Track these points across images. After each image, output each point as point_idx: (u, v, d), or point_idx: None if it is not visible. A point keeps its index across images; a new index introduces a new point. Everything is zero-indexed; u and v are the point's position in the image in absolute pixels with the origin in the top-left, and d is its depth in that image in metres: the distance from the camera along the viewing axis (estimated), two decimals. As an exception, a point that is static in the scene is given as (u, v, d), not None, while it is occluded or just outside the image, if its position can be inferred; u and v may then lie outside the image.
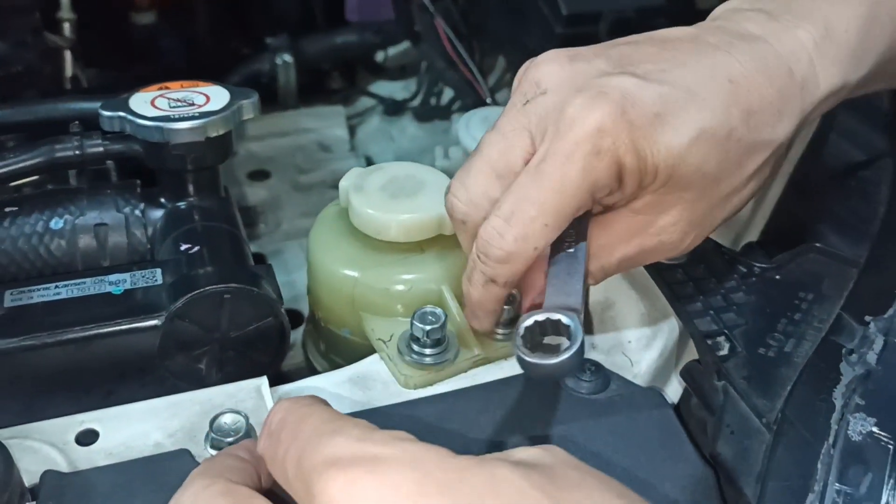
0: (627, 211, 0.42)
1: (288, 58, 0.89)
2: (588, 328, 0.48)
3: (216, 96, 0.49)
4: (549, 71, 0.41)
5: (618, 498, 0.28)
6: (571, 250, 0.41)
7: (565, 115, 0.39)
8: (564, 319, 0.38)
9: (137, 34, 0.90)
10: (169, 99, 0.49)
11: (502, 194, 0.40)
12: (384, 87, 0.96)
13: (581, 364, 0.39)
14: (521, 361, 0.38)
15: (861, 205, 0.53)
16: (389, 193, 0.48)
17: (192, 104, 0.49)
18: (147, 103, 0.49)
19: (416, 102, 0.93)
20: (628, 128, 0.38)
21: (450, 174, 0.52)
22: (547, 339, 0.39)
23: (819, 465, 0.39)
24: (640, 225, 0.42)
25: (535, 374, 0.38)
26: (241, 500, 0.29)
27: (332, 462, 0.27)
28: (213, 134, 0.48)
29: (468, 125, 0.56)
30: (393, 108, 0.93)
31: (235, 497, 0.29)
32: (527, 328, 0.38)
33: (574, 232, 0.42)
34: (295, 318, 0.64)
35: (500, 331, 0.46)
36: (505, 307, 0.45)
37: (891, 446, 0.39)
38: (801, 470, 0.39)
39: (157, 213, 0.50)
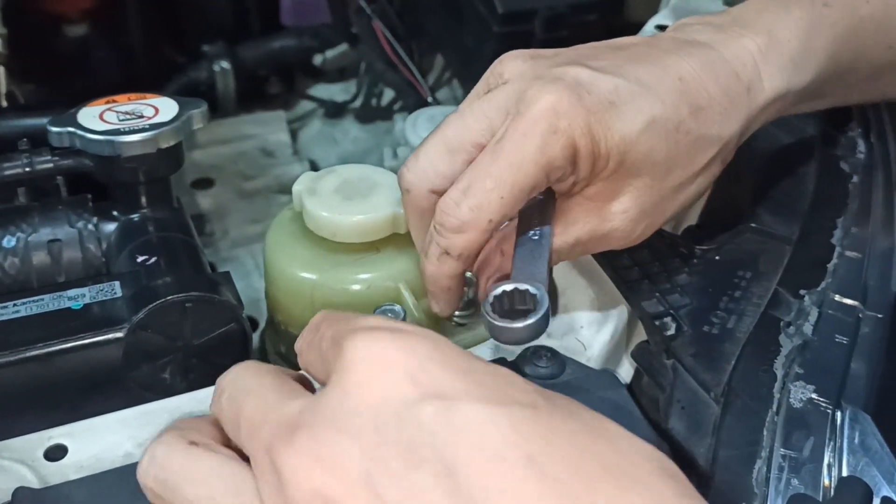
0: (581, 198, 0.44)
1: (225, 65, 0.89)
2: (553, 311, 0.50)
3: (165, 108, 0.50)
4: (512, 65, 0.44)
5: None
6: (536, 237, 0.43)
7: (525, 97, 0.41)
8: (531, 289, 0.40)
9: (70, 47, 0.88)
10: (117, 112, 0.49)
11: (461, 172, 0.42)
12: (324, 90, 0.97)
13: (545, 328, 0.41)
14: (491, 326, 0.40)
15: (791, 185, 0.56)
16: (343, 195, 0.49)
17: (142, 116, 0.49)
18: (95, 117, 0.49)
19: (356, 104, 0.93)
20: (584, 112, 0.41)
21: (399, 174, 0.53)
22: (515, 308, 0.41)
23: (764, 433, 0.41)
24: (593, 212, 0.44)
25: (504, 338, 0.40)
26: (211, 446, 0.31)
27: (362, 328, 0.29)
28: (165, 145, 0.49)
29: (415, 125, 0.57)
30: (334, 111, 0.94)
31: (207, 446, 0.32)
32: (495, 296, 0.40)
33: (538, 220, 0.44)
34: (251, 323, 0.64)
35: (458, 313, 0.47)
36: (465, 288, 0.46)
37: (829, 411, 0.42)
38: (749, 438, 0.41)
39: (111, 227, 0.50)
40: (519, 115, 0.41)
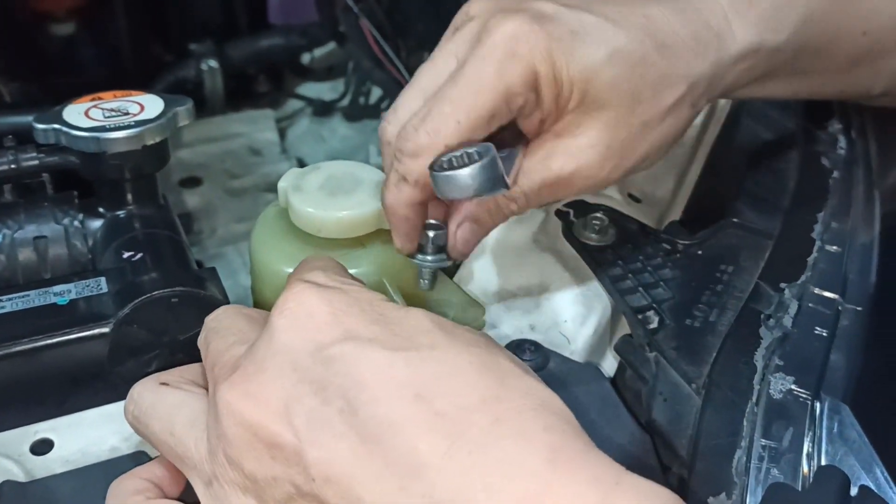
0: (549, 135, 0.43)
1: (213, 63, 0.89)
2: (524, 306, 0.50)
3: (150, 105, 0.50)
4: (477, 4, 0.44)
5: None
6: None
7: (487, 26, 0.41)
8: (480, 149, 0.40)
9: (57, 45, 0.88)
10: (103, 109, 0.49)
11: None
12: (312, 89, 0.97)
13: (495, 181, 0.40)
14: (434, 180, 0.40)
15: (772, 181, 0.57)
16: (328, 191, 0.50)
17: (127, 113, 0.49)
18: (81, 114, 0.49)
19: (344, 103, 0.94)
20: (545, 38, 0.41)
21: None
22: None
23: (745, 423, 0.41)
24: (560, 148, 0.43)
25: (447, 188, 0.40)
26: (180, 385, 0.37)
27: (298, 280, 0.35)
28: (150, 142, 0.49)
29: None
30: (322, 110, 0.94)
31: (175, 385, 0.37)
32: (443, 159, 0.40)
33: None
34: (238, 320, 0.64)
35: (430, 258, 0.46)
36: (430, 233, 0.45)
37: (809, 402, 0.42)
38: (729, 428, 0.41)
39: (97, 224, 0.50)
40: (479, 42, 0.41)
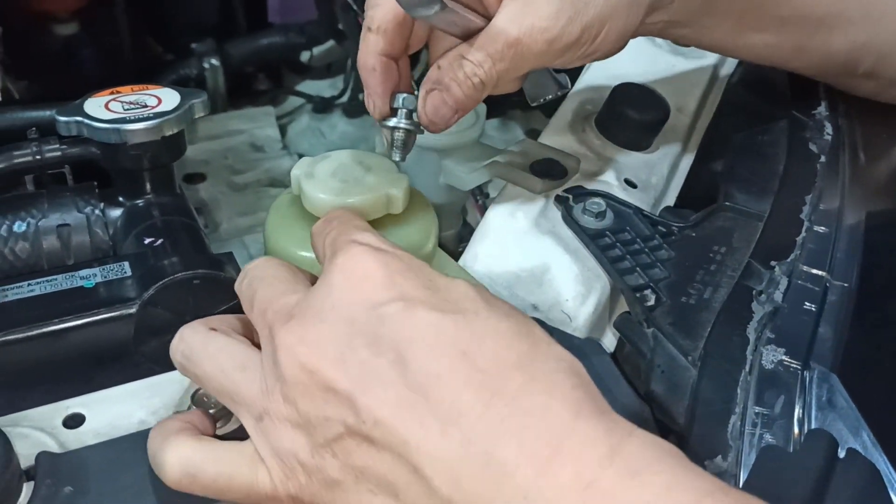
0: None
1: (215, 62, 0.90)
2: (527, 287, 0.52)
3: (167, 98, 0.52)
4: None
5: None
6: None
7: None
8: None
9: (62, 45, 0.90)
10: (122, 102, 0.51)
11: None
12: (311, 86, 0.99)
13: None
14: None
15: (762, 166, 0.59)
16: (339, 178, 0.52)
17: (146, 106, 0.51)
18: (101, 107, 0.51)
19: (344, 99, 0.95)
20: None
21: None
22: None
23: (738, 391, 0.44)
24: (516, 5, 0.45)
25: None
26: (228, 332, 0.40)
27: (354, 241, 0.38)
28: (168, 133, 0.51)
29: (404, 114, 0.60)
30: (322, 106, 0.96)
31: (224, 332, 0.40)
32: None
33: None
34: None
35: (403, 122, 0.47)
36: (400, 95, 0.47)
37: (799, 371, 0.45)
38: (724, 396, 0.44)
39: (117, 212, 0.52)
40: None
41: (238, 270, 0.50)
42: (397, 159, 0.49)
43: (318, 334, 0.35)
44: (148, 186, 0.53)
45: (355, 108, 0.95)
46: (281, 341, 0.35)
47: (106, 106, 0.51)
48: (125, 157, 0.51)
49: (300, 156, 0.92)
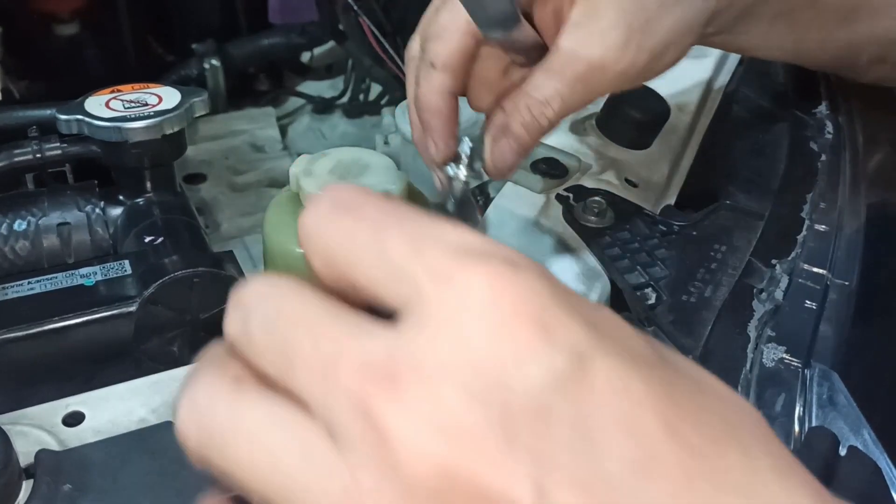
0: (569, 27, 0.43)
1: (215, 62, 0.90)
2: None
3: (168, 96, 0.52)
4: None
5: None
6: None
7: None
8: None
9: (63, 45, 0.90)
10: (123, 101, 0.51)
11: None
12: (312, 87, 0.99)
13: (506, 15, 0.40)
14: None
15: (763, 165, 0.59)
16: (338, 176, 0.52)
17: (146, 104, 0.51)
18: (102, 105, 0.51)
19: (344, 100, 0.96)
20: None
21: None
22: None
23: (739, 390, 0.44)
24: (583, 35, 0.42)
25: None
26: (260, 388, 0.24)
27: (466, 252, 0.23)
28: (169, 131, 0.51)
29: (405, 114, 0.60)
30: (322, 107, 0.96)
31: (256, 388, 0.24)
32: None
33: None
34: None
35: (464, 171, 0.42)
36: (466, 140, 0.43)
37: (799, 369, 0.45)
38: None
39: (117, 211, 0.52)
40: None
41: (239, 269, 0.50)
42: (451, 210, 0.43)
43: (460, 414, 0.21)
44: (148, 185, 0.53)
45: (356, 109, 0.95)
46: (396, 424, 0.21)
47: (106, 104, 0.51)
48: (126, 156, 0.51)
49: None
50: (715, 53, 0.68)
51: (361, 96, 0.95)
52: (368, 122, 0.95)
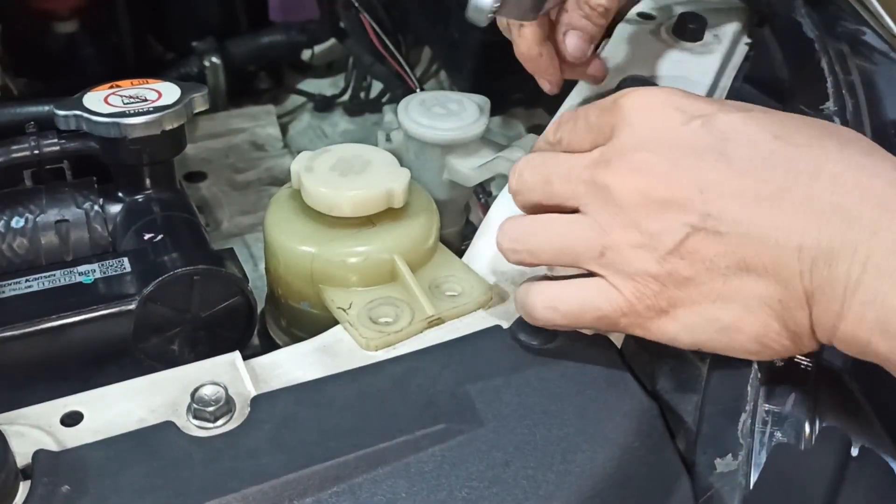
0: None
1: (216, 60, 0.90)
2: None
3: (167, 92, 0.52)
4: None
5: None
6: None
7: None
8: None
9: (62, 43, 0.90)
10: (122, 96, 0.51)
11: None
12: (312, 85, 0.98)
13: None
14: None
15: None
16: (339, 172, 0.51)
17: (146, 100, 0.51)
18: (101, 101, 0.50)
19: (345, 98, 0.95)
20: None
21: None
22: None
23: (749, 389, 0.43)
24: None
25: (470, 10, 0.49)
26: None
27: (629, 92, 0.42)
28: (168, 127, 0.50)
29: (407, 109, 0.59)
30: (323, 105, 0.96)
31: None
32: None
33: None
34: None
35: None
36: None
37: (810, 369, 0.44)
38: (733, 394, 0.43)
39: (116, 208, 0.52)
40: None
41: (240, 266, 0.49)
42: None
43: (643, 161, 0.40)
44: (148, 182, 0.52)
45: (356, 107, 0.95)
46: (611, 179, 0.40)
47: (105, 100, 0.51)
48: (125, 152, 0.50)
49: (301, 154, 0.91)
50: (720, 50, 0.68)
51: (362, 94, 0.94)
52: (370, 119, 0.94)
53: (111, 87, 0.52)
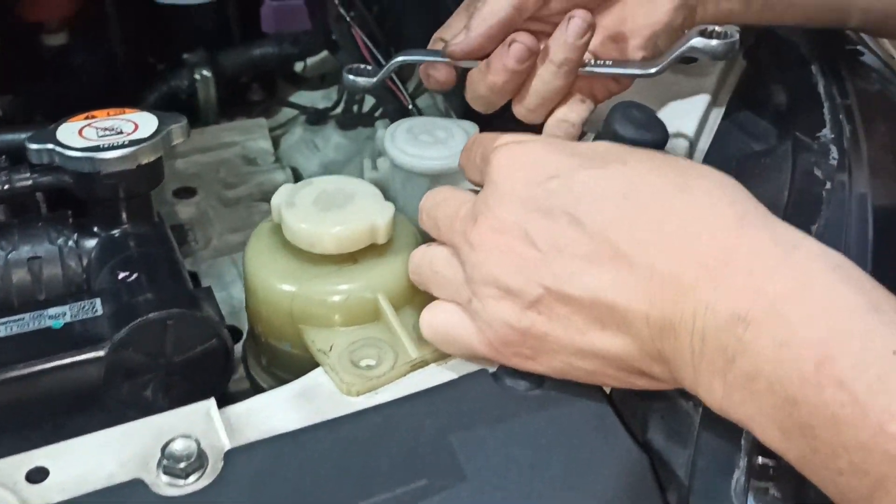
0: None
1: (206, 72, 0.89)
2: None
3: (144, 123, 0.50)
4: None
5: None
6: None
7: None
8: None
9: (51, 56, 0.88)
10: (97, 128, 0.49)
11: None
12: (305, 97, 0.97)
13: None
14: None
15: (766, 191, 0.56)
16: (321, 207, 0.50)
17: (121, 132, 0.49)
18: (75, 134, 0.49)
19: (338, 111, 0.93)
20: None
21: (379, 185, 0.54)
22: None
23: (743, 441, 0.41)
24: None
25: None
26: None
27: (499, 145, 0.44)
28: (144, 161, 0.49)
29: (393, 138, 0.57)
30: (315, 118, 0.94)
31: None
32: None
33: None
34: (234, 333, 0.64)
35: None
36: None
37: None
38: (727, 447, 0.41)
39: (91, 243, 0.50)
40: None
41: (216, 307, 0.48)
42: None
43: (502, 222, 0.41)
44: (124, 216, 0.50)
45: (349, 120, 0.93)
46: (475, 237, 0.42)
47: (80, 132, 0.49)
48: (99, 187, 0.49)
49: (293, 169, 0.90)
50: (715, 73, 0.66)
51: (355, 108, 0.93)
52: (362, 133, 0.93)
53: (86, 117, 0.50)
